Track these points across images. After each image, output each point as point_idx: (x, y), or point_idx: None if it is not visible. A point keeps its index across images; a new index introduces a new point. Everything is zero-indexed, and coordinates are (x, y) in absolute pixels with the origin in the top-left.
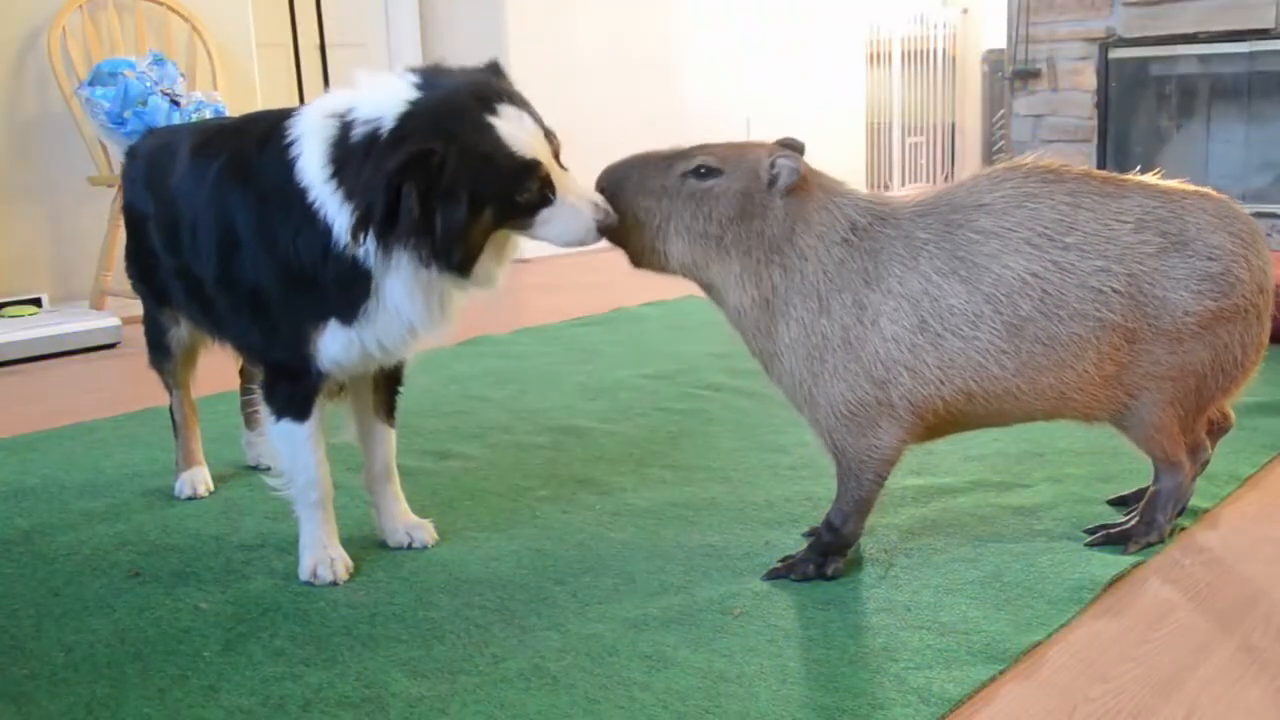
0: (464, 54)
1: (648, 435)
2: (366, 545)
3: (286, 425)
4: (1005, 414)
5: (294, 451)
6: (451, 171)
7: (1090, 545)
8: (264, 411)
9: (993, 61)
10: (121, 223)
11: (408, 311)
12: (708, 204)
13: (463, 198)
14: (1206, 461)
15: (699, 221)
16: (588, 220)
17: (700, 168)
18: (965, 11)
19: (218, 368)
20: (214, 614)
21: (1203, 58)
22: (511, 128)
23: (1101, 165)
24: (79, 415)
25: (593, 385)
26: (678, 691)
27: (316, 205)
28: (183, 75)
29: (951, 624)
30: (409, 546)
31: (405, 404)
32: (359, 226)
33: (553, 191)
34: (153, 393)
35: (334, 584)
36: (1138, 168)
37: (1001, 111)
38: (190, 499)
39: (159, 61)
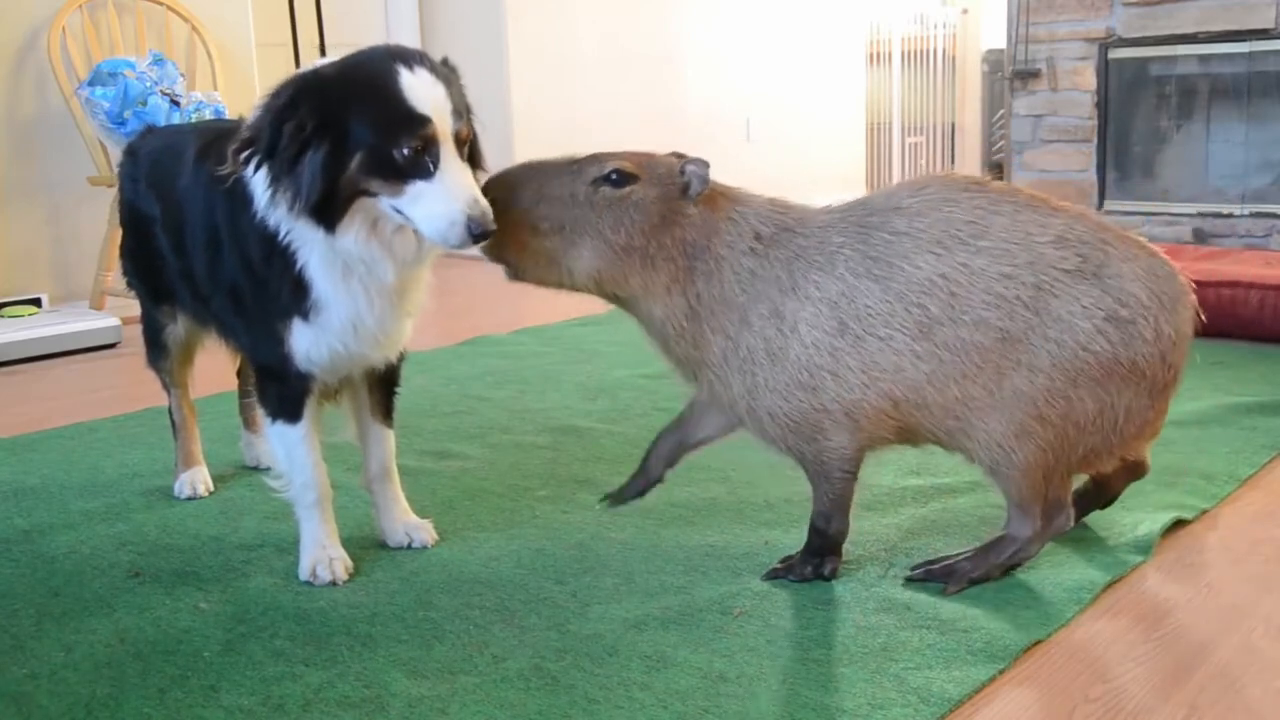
0: (464, 54)
1: (648, 435)
2: (366, 545)
3: (280, 427)
4: (918, 434)
5: (289, 453)
6: (336, 96)
7: (910, 580)
8: (260, 413)
9: (993, 61)
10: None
11: (341, 307)
12: (628, 212)
13: (336, 131)
14: (1062, 530)
15: (620, 233)
16: (456, 214)
17: (614, 173)
18: (965, 11)
19: (216, 368)
20: (214, 614)
21: (1203, 58)
22: (416, 82)
23: (1101, 165)
24: (79, 415)
25: (593, 385)
26: (678, 691)
27: (245, 180)
28: (183, 75)
29: (951, 624)
30: (409, 546)
31: (405, 404)
32: (242, 147)
33: (435, 163)
34: (153, 393)
35: (333, 584)
36: (1137, 170)
37: (1001, 111)
38: (190, 499)
39: (159, 61)
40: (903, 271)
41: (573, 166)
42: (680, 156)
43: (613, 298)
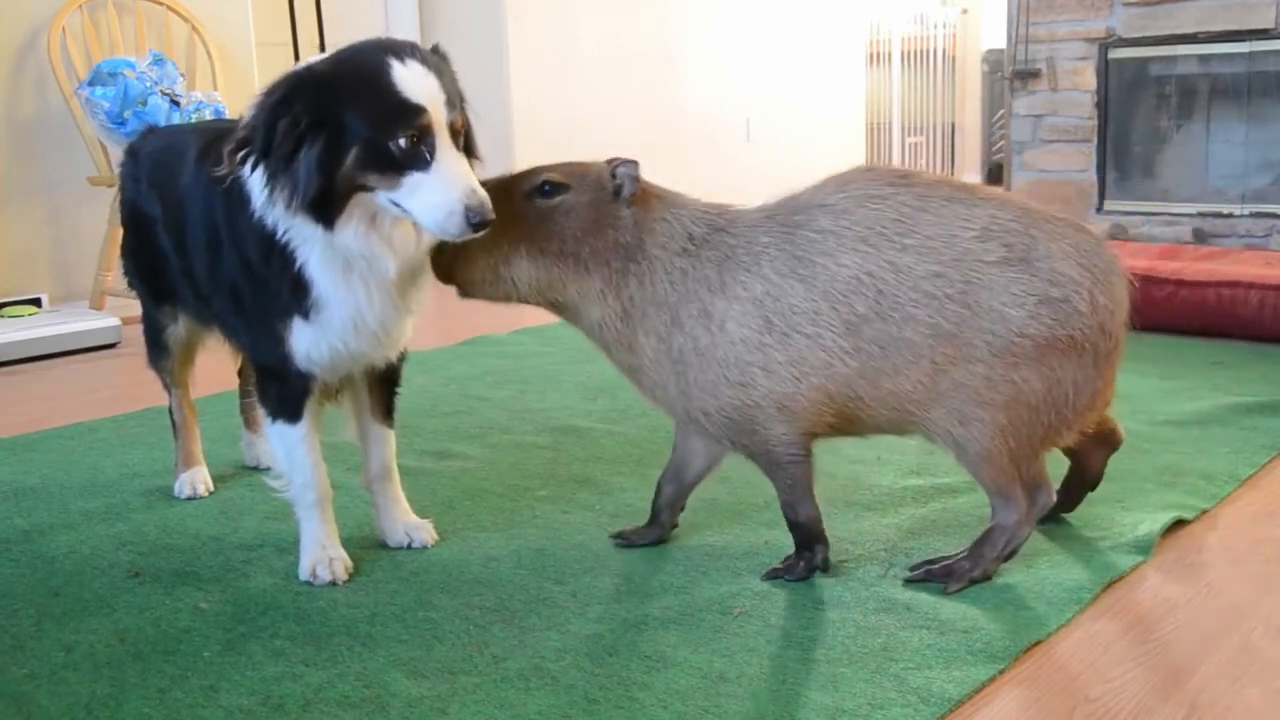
0: (464, 54)
1: (648, 435)
2: (366, 545)
3: (280, 427)
4: (861, 422)
5: (289, 453)
6: (329, 91)
7: (910, 580)
8: (260, 413)
9: (993, 61)
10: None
11: (342, 305)
12: (560, 220)
13: (331, 126)
14: (1047, 507)
15: (553, 241)
16: (454, 203)
17: (545, 184)
18: (965, 11)
19: (217, 368)
20: (214, 614)
21: (1203, 58)
22: (408, 74)
23: (1101, 165)
24: (79, 415)
25: (593, 385)
26: (678, 691)
27: (243, 179)
28: (183, 75)
29: (951, 624)
30: (409, 546)
31: (405, 404)
32: (237, 147)
33: (430, 153)
34: (153, 393)
35: (333, 584)
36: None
37: (1001, 111)
38: (190, 499)
39: (159, 61)
40: (827, 270)
41: (504, 184)
42: (611, 161)
43: (556, 306)
